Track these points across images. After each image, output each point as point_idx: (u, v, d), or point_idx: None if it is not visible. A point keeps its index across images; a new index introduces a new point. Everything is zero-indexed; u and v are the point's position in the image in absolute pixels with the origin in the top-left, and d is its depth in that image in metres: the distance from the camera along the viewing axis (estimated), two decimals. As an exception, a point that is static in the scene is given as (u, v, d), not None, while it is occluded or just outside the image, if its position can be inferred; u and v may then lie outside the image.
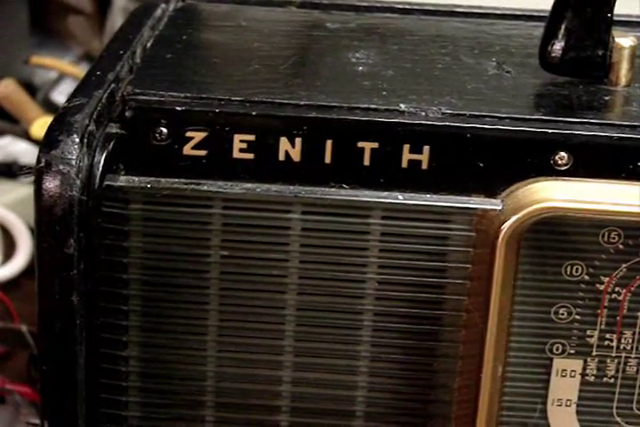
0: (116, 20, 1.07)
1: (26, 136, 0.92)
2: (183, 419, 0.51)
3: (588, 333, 0.49)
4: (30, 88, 1.05)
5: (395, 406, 0.51)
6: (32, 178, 0.45)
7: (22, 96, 0.93)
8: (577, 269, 0.48)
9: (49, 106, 1.01)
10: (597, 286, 0.48)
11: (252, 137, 0.47)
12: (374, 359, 0.50)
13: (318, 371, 0.50)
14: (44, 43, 1.24)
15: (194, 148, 0.47)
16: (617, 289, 0.48)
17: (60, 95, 1.06)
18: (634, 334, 0.49)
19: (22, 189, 0.92)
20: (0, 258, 0.90)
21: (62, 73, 1.05)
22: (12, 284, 0.87)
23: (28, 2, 1.21)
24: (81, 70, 1.01)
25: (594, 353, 0.49)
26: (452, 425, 0.50)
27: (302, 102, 0.48)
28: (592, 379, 0.50)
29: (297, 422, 0.51)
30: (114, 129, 0.47)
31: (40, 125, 0.90)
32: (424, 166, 0.47)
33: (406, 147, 0.47)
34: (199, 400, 0.51)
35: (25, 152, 0.99)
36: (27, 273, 0.87)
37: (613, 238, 0.48)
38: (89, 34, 1.21)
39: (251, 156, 0.47)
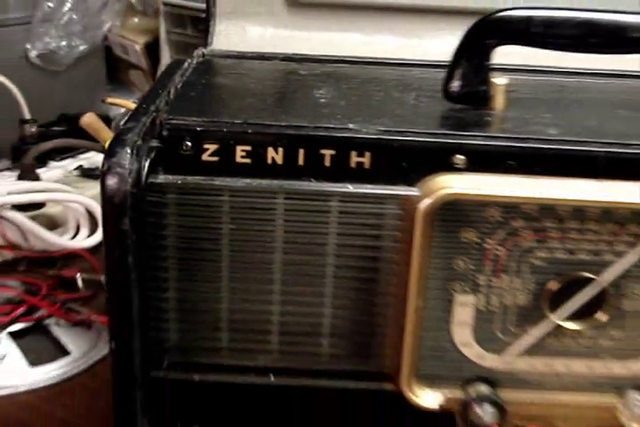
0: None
1: (103, 151, 0.96)
2: (206, 338, 0.51)
3: (478, 276, 0.50)
4: (107, 119, 1.07)
5: (351, 332, 0.51)
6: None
7: (100, 124, 0.95)
8: (470, 234, 0.49)
9: (119, 131, 1.04)
10: (484, 245, 0.49)
11: (248, 148, 0.48)
12: (335, 297, 0.50)
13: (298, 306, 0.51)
14: (116, 89, 1.28)
15: (209, 155, 0.48)
16: (497, 247, 0.49)
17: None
18: (509, 278, 0.50)
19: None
20: (87, 232, 0.93)
21: (128, 109, 1.07)
22: (96, 249, 0.91)
23: (104, 61, 1.24)
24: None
25: (482, 290, 0.50)
26: (387, 340, 0.51)
27: (283, 124, 0.48)
28: (482, 308, 0.51)
29: (284, 341, 0.51)
30: (154, 143, 0.48)
31: (112, 144, 0.93)
32: (367, 166, 0.48)
33: (354, 153, 0.47)
34: (216, 326, 0.51)
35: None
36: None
37: (493, 213, 0.48)
38: (145, 82, 1.23)
39: (248, 160, 0.48)
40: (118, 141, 0.45)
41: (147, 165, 0.46)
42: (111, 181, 0.44)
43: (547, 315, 0.50)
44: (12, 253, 0.91)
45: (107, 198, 0.45)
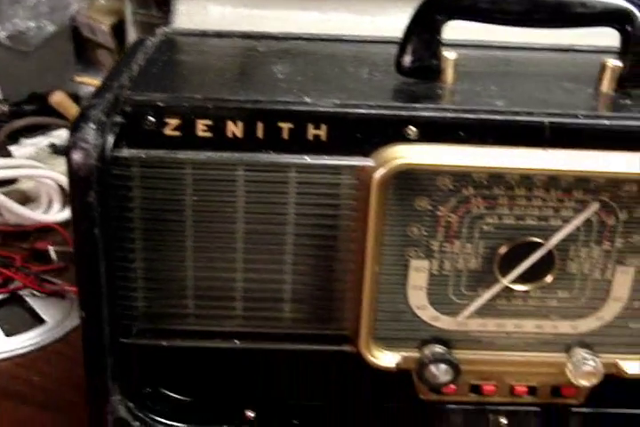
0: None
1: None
2: (173, 306, 0.52)
3: (431, 242, 0.50)
4: (76, 98, 1.06)
5: (312, 297, 0.51)
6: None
7: (69, 102, 0.95)
8: (423, 202, 0.49)
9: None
10: (437, 212, 0.50)
11: (209, 122, 0.47)
12: (296, 264, 0.50)
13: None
14: (85, 68, 1.29)
15: (171, 130, 0.47)
16: (449, 214, 0.50)
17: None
18: (461, 243, 0.50)
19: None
20: (59, 206, 0.92)
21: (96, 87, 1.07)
22: (68, 222, 0.90)
23: (73, 41, 1.25)
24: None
25: (436, 256, 0.51)
26: (346, 304, 0.51)
27: (242, 98, 0.48)
28: (435, 272, 0.51)
29: (248, 307, 0.52)
30: (118, 119, 0.47)
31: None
32: (323, 138, 0.48)
33: (310, 126, 0.47)
34: (182, 294, 0.51)
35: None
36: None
37: (445, 182, 0.49)
38: (112, 61, 1.24)
39: (209, 134, 0.47)
40: (83, 118, 0.45)
41: (111, 139, 0.46)
42: (76, 156, 0.44)
43: (497, 278, 0.51)
44: (-14, 227, 0.92)
45: (73, 172, 0.45)
